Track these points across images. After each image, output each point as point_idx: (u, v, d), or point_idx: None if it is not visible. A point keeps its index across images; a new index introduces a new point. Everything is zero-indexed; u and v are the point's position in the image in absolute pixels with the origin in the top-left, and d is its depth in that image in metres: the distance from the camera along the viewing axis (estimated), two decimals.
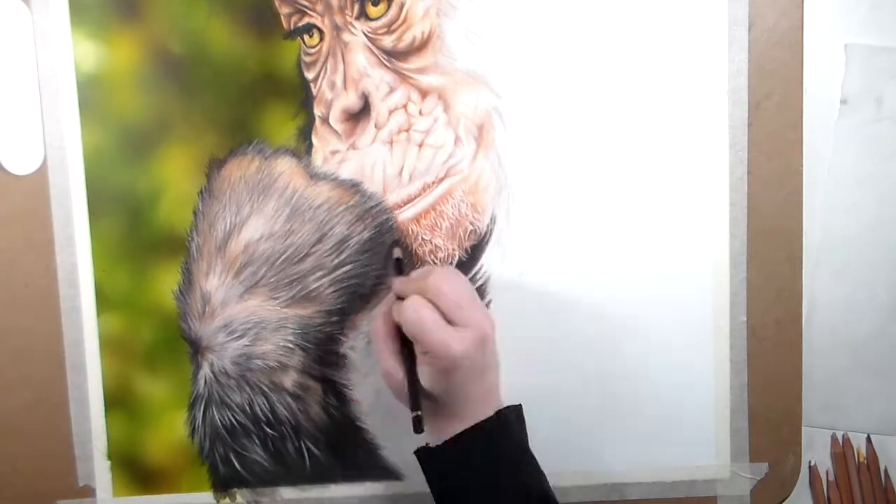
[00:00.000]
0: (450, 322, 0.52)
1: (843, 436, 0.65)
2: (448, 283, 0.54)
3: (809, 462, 0.65)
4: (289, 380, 0.61)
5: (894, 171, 0.63)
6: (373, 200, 0.61)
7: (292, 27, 0.60)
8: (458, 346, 0.51)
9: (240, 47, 0.60)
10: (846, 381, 0.65)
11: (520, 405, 0.56)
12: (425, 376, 0.52)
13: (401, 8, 0.59)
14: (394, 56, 0.60)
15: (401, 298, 0.54)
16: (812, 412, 0.64)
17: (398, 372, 0.54)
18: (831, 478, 0.65)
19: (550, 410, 0.62)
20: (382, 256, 0.61)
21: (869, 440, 0.65)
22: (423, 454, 0.54)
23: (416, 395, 0.52)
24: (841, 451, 0.65)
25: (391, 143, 0.60)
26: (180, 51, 0.60)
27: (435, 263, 0.61)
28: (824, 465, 0.65)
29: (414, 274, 0.57)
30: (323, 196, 0.60)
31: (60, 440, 0.63)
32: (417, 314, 0.52)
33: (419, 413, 0.51)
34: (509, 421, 0.54)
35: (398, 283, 0.57)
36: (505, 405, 0.55)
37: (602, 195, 0.61)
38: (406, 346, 0.54)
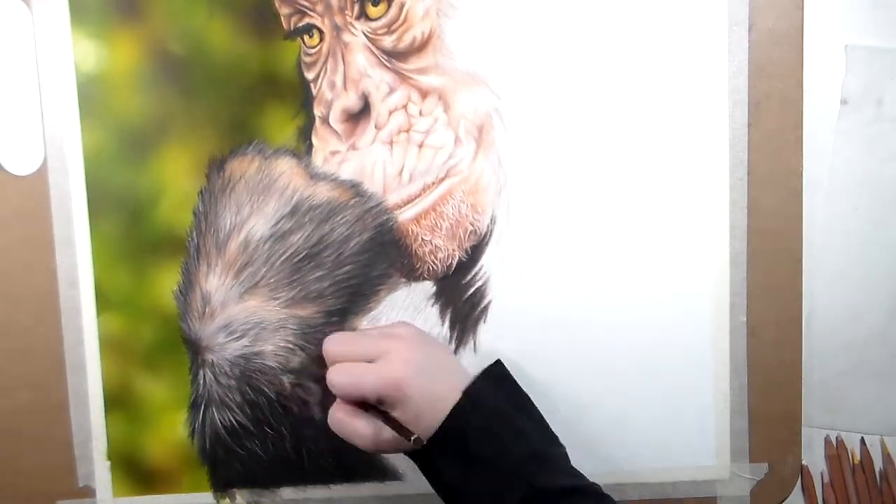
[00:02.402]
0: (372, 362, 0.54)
1: (836, 437, 0.65)
2: (336, 342, 0.57)
3: (802, 464, 0.65)
4: (289, 380, 0.61)
5: (895, 173, 0.63)
6: (373, 201, 0.60)
7: (292, 27, 0.60)
8: (397, 369, 0.53)
9: (240, 47, 0.60)
10: (846, 381, 0.65)
11: (491, 365, 0.57)
12: (403, 417, 0.53)
13: (401, 8, 0.59)
14: (394, 56, 0.60)
15: None
16: (811, 413, 0.64)
17: (384, 430, 0.54)
18: (826, 479, 0.65)
19: (549, 411, 0.62)
20: (383, 257, 0.61)
21: (863, 441, 0.65)
22: (415, 455, 0.54)
23: (403, 427, 0.53)
24: (835, 453, 0.65)
25: (391, 143, 0.60)
26: (180, 51, 0.60)
27: (435, 264, 0.61)
28: (818, 466, 0.65)
29: None
30: (323, 196, 0.60)
31: (60, 440, 0.62)
32: (339, 377, 0.54)
33: (415, 435, 0.52)
34: (482, 392, 0.54)
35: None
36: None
37: (602, 195, 0.61)
38: (372, 410, 0.54)
